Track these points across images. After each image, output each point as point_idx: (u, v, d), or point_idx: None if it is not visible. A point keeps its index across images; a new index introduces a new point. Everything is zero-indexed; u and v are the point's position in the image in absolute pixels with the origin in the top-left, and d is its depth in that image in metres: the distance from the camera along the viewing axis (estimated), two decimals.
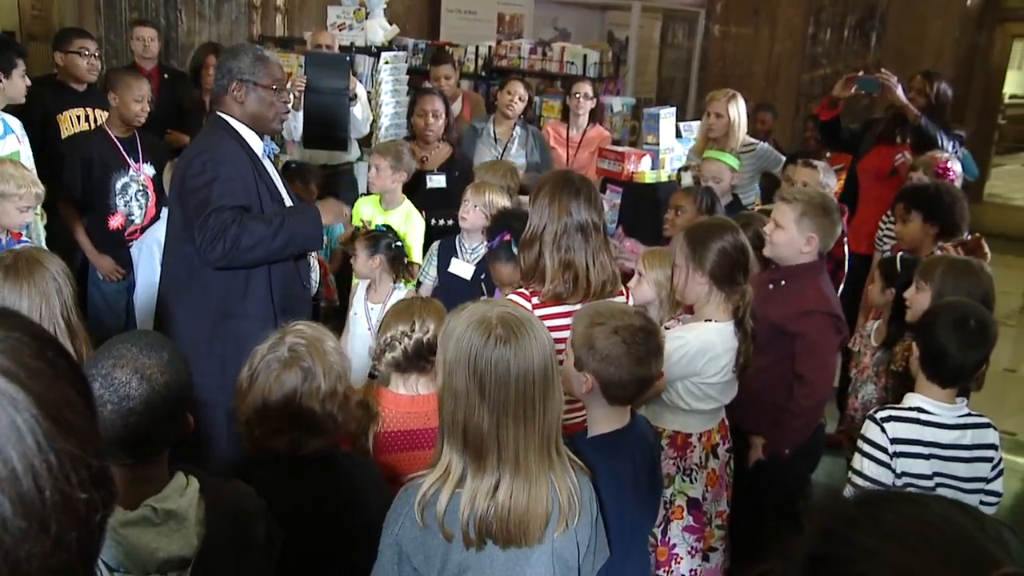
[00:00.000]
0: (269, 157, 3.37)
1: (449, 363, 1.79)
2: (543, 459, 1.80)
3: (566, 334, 2.29)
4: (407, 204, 4.38)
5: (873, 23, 10.09)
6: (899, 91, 5.17)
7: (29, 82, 4.03)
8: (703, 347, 2.79)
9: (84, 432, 0.63)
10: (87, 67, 4.80)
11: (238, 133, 3.22)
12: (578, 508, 1.85)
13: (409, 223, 4.32)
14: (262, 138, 3.30)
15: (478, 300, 1.95)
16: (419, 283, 4.11)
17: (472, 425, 1.75)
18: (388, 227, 3.89)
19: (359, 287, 3.88)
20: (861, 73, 5.57)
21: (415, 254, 4.23)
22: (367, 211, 4.35)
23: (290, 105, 5.03)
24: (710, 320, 2.86)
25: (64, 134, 4.63)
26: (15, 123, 4.04)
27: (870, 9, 10.09)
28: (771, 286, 3.24)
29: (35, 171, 4.03)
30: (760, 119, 6.72)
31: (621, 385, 2.16)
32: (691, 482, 2.90)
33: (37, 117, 4.47)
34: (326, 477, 2.12)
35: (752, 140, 5.27)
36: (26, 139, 4.06)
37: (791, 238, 3.21)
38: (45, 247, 3.66)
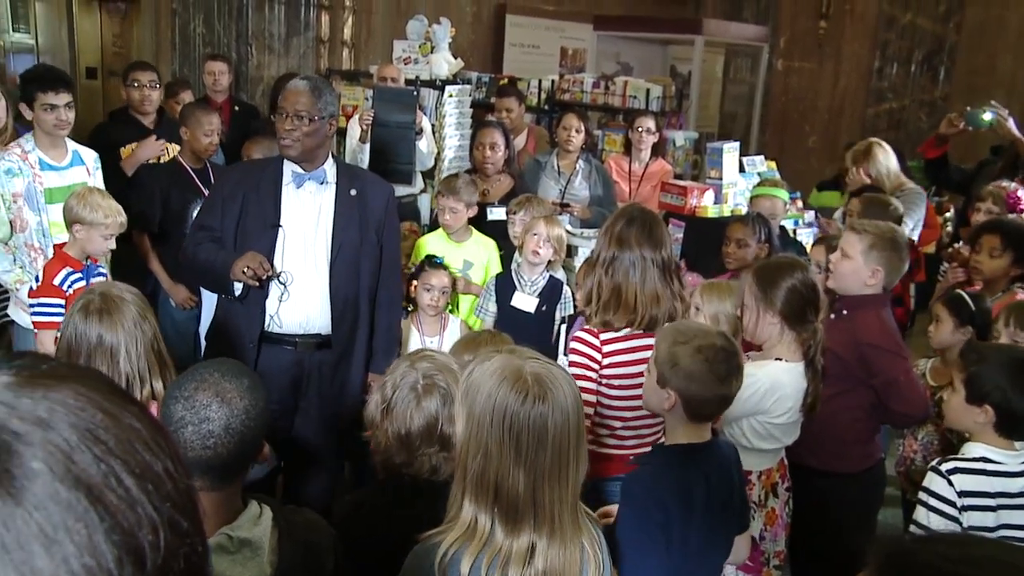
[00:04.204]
0: (317, 184, 3.31)
1: (478, 418, 1.70)
2: (576, 518, 1.75)
3: (640, 368, 2.31)
4: (475, 232, 4.42)
5: (941, 57, 9.96)
6: (1011, 124, 4.94)
7: (63, 116, 3.86)
8: (773, 386, 2.76)
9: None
10: (139, 98, 4.96)
11: (281, 163, 3.32)
12: (602, 565, 1.78)
13: (489, 248, 4.38)
14: (303, 166, 3.28)
15: (501, 349, 1.88)
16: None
17: (506, 486, 1.67)
18: (441, 260, 3.94)
19: (404, 324, 3.84)
20: (968, 108, 5.27)
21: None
22: (437, 246, 4.32)
23: (356, 140, 5.16)
24: (780, 359, 2.82)
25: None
26: (88, 155, 4.13)
27: (938, 43, 9.96)
28: (832, 316, 3.19)
29: None
30: (844, 157, 6.62)
31: (703, 402, 2.22)
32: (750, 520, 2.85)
33: (103, 149, 4.60)
34: None
35: (905, 181, 5.11)
36: (99, 171, 4.15)
37: (856, 269, 3.16)
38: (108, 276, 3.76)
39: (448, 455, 2.08)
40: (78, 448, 0.58)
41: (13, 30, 9.38)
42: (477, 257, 4.29)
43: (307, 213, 3.30)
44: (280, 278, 3.22)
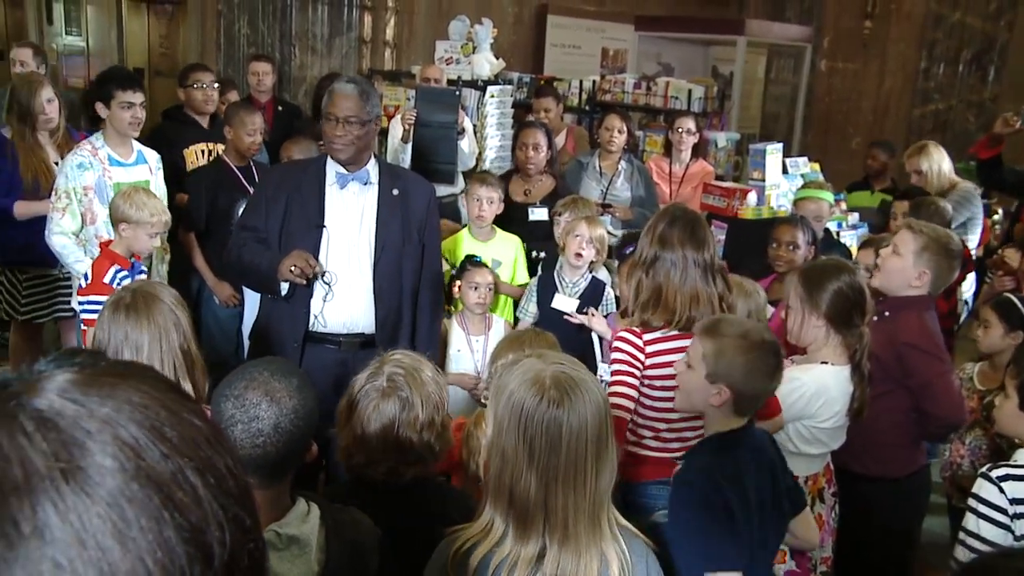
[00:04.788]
0: (360, 184, 3.34)
1: (499, 420, 1.71)
2: (593, 528, 1.70)
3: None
4: (499, 230, 4.41)
5: (991, 56, 9.79)
6: None
7: (138, 115, 4.09)
8: (819, 390, 2.73)
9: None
10: (203, 99, 5.03)
11: (324, 163, 3.36)
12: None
13: (515, 245, 4.38)
14: (349, 167, 3.32)
15: (534, 353, 1.89)
16: (517, 319, 4.13)
17: (519, 489, 1.67)
18: (480, 259, 3.95)
19: (448, 323, 3.86)
20: None
21: (524, 275, 4.33)
22: (466, 247, 4.34)
23: (398, 139, 5.19)
24: (826, 362, 2.79)
25: (189, 167, 4.83)
26: (152, 156, 4.26)
27: (988, 42, 9.79)
28: (875, 318, 3.14)
29: (166, 204, 4.25)
30: (871, 156, 6.54)
31: (753, 397, 2.22)
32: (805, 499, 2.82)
33: (162, 150, 4.69)
34: (421, 506, 2.12)
35: (957, 180, 5.01)
36: (160, 172, 4.27)
37: (904, 268, 3.12)
38: (164, 280, 3.83)
39: (407, 460, 2.07)
40: (146, 446, 0.59)
41: (66, 33, 9.59)
42: (504, 255, 4.27)
43: (351, 213, 3.33)
44: (325, 278, 3.25)
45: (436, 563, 1.77)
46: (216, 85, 5.21)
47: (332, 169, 3.33)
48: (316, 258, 3.22)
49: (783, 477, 2.34)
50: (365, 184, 3.34)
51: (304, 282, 3.18)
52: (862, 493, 3.05)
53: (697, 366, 2.26)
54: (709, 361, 2.22)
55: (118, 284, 3.44)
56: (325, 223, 3.29)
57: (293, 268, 3.13)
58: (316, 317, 3.28)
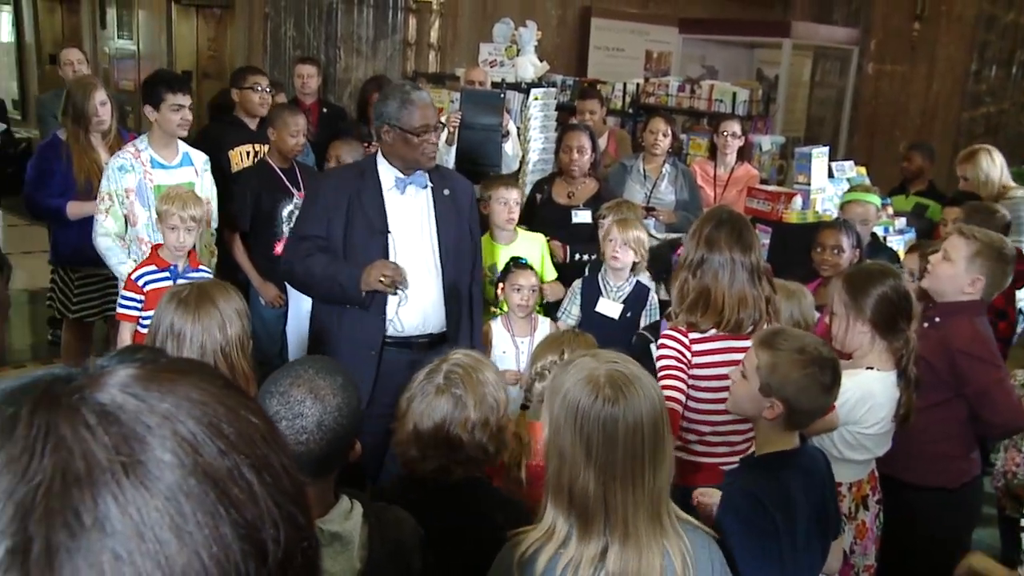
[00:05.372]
0: (419, 188, 3.40)
1: (555, 420, 1.72)
2: (654, 524, 1.69)
3: (727, 370, 2.28)
4: (520, 231, 4.40)
5: None
6: None
7: (187, 116, 4.16)
8: (864, 395, 2.70)
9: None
10: (259, 102, 5.08)
11: (374, 166, 3.39)
12: (692, 573, 1.75)
13: (538, 242, 4.38)
14: (408, 172, 3.36)
15: (588, 352, 1.89)
16: (555, 319, 4.13)
17: (578, 488, 1.67)
18: (526, 260, 3.96)
19: (493, 325, 3.89)
20: None
21: (552, 272, 4.35)
22: (489, 252, 4.28)
23: (442, 142, 5.22)
24: (871, 368, 2.76)
25: (234, 169, 4.90)
26: (199, 158, 4.31)
27: None
28: (925, 324, 3.10)
29: (215, 204, 4.32)
30: (907, 158, 6.45)
31: (807, 413, 2.21)
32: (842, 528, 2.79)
33: (210, 151, 4.76)
34: (470, 505, 2.12)
35: (1012, 185, 4.94)
36: (207, 174, 4.33)
37: (956, 274, 3.08)
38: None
39: (456, 459, 2.07)
40: (204, 442, 0.59)
41: (117, 37, 9.79)
42: (530, 254, 4.24)
43: (412, 216, 3.39)
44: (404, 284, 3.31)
45: (501, 567, 1.77)
46: (270, 88, 5.28)
47: (389, 174, 3.37)
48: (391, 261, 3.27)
49: (831, 501, 2.33)
50: (423, 187, 3.40)
51: (394, 291, 3.23)
52: (909, 502, 3.02)
53: (751, 377, 2.25)
54: (763, 373, 2.20)
55: (145, 284, 3.51)
56: (390, 228, 3.33)
57: (383, 278, 3.18)
58: (391, 322, 3.33)
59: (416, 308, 3.35)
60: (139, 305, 3.49)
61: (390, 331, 3.34)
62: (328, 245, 3.31)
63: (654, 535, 1.69)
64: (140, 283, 3.51)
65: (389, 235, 3.32)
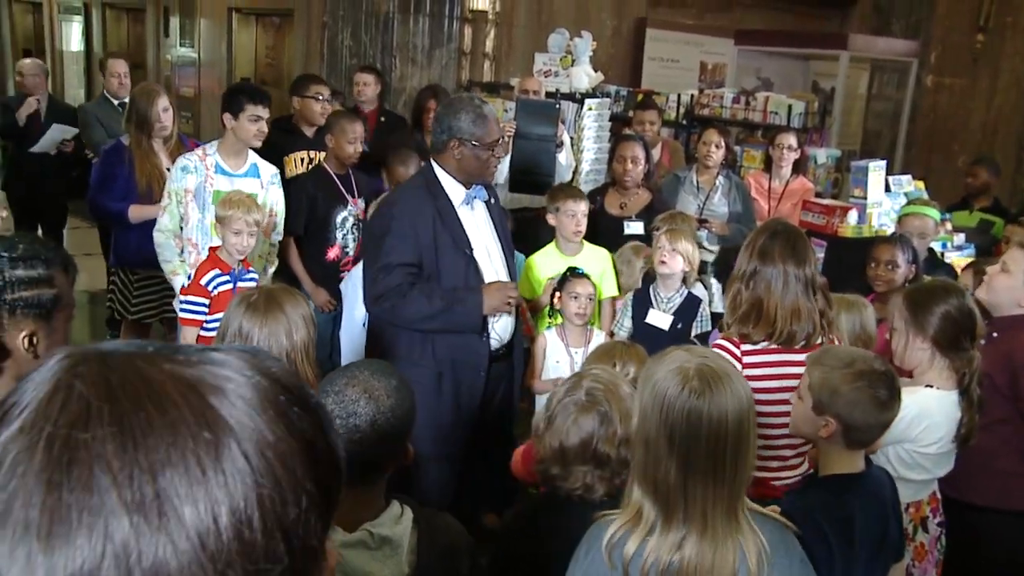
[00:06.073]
0: (484, 203, 3.43)
1: (643, 408, 1.76)
2: (730, 519, 1.72)
3: (777, 383, 2.26)
4: (586, 243, 4.38)
5: None
6: None
7: (263, 128, 4.25)
8: (921, 413, 2.65)
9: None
10: (320, 111, 5.16)
11: (439, 183, 3.33)
12: (767, 570, 1.75)
13: (603, 258, 4.37)
14: (469, 186, 3.36)
15: (681, 347, 1.92)
16: (612, 333, 4.12)
17: (660, 476, 1.71)
18: (582, 270, 3.97)
19: (548, 335, 3.90)
20: None
21: (614, 288, 4.33)
22: (550, 263, 4.29)
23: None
24: (931, 386, 2.71)
25: (288, 175, 4.96)
26: (267, 170, 4.36)
27: None
28: (982, 340, 3.03)
29: (281, 217, 4.39)
30: (972, 173, 6.31)
31: (864, 429, 2.18)
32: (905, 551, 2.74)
33: (266, 157, 4.84)
34: None
35: None
36: (274, 187, 4.38)
37: (1014, 286, 3.02)
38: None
39: (602, 474, 2.07)
40: (269, 427, 0.66)
41: (180, 45, 10.02)
42: (593, 268, 4.24)
43: (481, 229, 3.41)
44: None
45: (588, 547, 1.80)
46: (331, 98, 5.37)
47: (455, 189, 3.35)
48: (474, 280, 3.27)
49: (896, 526, 2.30)
50: (485, 200, 3.43)
51: (513, 313, 3.28)
52: (971, 523, 2.95)
53: (805, 397, 2.25)
54: (814, 391, 2.21)
55: (214, 288, 3.57)
56: (473, 246, 3.32)
57: (511, 300, 3.24)
58: (490, 339, 3.36)
59: (503, 321, 3.38)
60: (205, 309, 3.56)
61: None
62: (419, 272, 3.22)
63: (730, 530, 1.71)
64: (210, 287, 3.58)
65: (471, 252, 3.31)
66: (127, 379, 0.63)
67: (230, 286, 3.58)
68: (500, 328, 3.40)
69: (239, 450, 0.63)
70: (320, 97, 5.16)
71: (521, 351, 3.60)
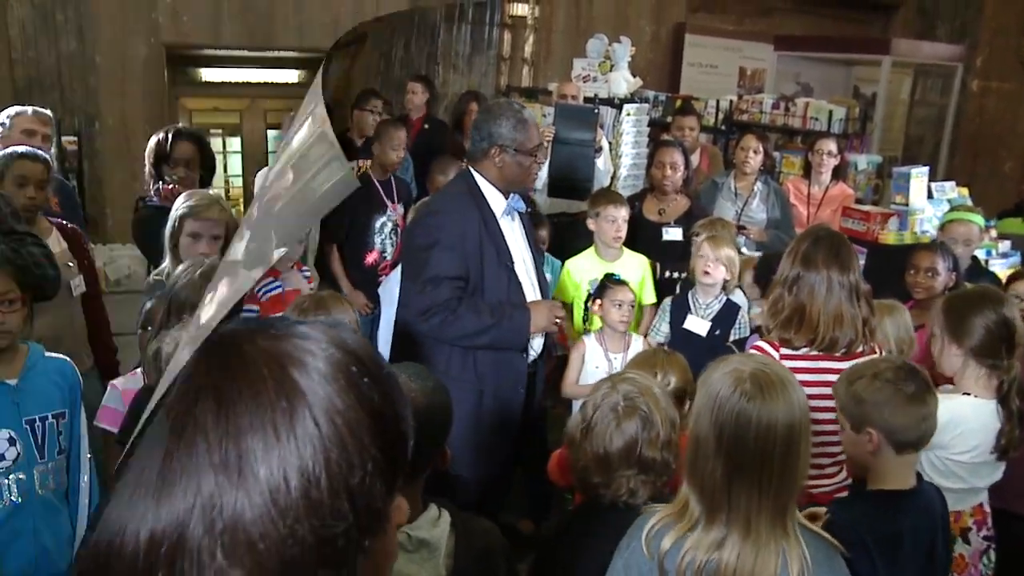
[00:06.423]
0: (517, 212, 3.38)
1: (698, 408, 1.79)
2: (775, 527, 1.71)
3: (816, 390, 2.28)
4: (625, 249, 4.39)
5: None
6: None
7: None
8: (953, 420, 2.61)
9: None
10: (372, 123, 5.30)
11: (481, 192, 3.26)
12: None
13: (642, 265, 4.38)
14: (507, 195, 3.31)
15: (750, 354, 1.95)
16: (644, 334, 4.14)
17: (707, 473, 1.73)
18: (619, 276, 3.99)
19: (587, 341, 3.91)
20: None
21: (652, 295, 4.34)
22: (589, 267, 4.31)
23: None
24: (968, 394, 2.70)
25: None
26: None
27: None
28: None
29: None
30: None
31: (903, 429, 2.16)
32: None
33: None
34: None
35: None
36: None
37: None
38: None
39: (646, 479, 2.07)
40: (340, 396, 0.75)
41: None
42: (632, 274, 4.24)
43: (519, 240, 3.36)
44: None
45: (632, 537, 1.83)
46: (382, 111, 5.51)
47: (496, 199, 3.27)
48: (516, 294, 3.24)
49: (943, 541, 2.29)
50: (522, 210, 3.41)
51: (559, 331, 3.26)
52: (1017, 534, 2.91)
53: (843, 422, 2.26)
54: (846, 411, 2.23)
55: (264, 295, 3.64)
56: (513, 259, 3.27)
57: (558, 320, 3.24)
58: (529, 355, 3.35)
59: (539, 336, 3.37)
60: (255, 316, 3.63)
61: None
62: (466, 286, 3.15)
63: (774, 536, 1.71)
64: (260, 294, 3.63)
65: (512, 265, 3.25)
66: (229, 357, 0.75)
67: (279, 291, 3.64)
68: (536, 343, 3.38)
69: (311, 417, 0.72)
70: (375, 109, 5.30)
71: (544, 357, 3.55)
